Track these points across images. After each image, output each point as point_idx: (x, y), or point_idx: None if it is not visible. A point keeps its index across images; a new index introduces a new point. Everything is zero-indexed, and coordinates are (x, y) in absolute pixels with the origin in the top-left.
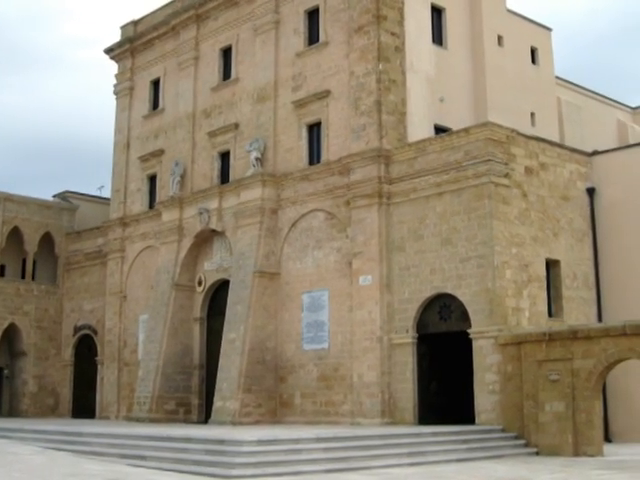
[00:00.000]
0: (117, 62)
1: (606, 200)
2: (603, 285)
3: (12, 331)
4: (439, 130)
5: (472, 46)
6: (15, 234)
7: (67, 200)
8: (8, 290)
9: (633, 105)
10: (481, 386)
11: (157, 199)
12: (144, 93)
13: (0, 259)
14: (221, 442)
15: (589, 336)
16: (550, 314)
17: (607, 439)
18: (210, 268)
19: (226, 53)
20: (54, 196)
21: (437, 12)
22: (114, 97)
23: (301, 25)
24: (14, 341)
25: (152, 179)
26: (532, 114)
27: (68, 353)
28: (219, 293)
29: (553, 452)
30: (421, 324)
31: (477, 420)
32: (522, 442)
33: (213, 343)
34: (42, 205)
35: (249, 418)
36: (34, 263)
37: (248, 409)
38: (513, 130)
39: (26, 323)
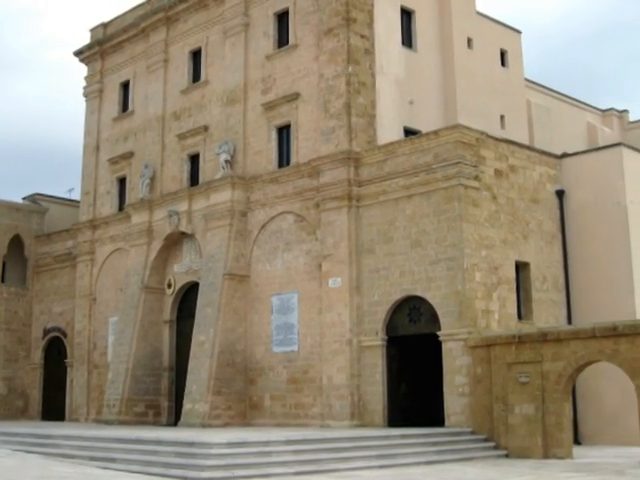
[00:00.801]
0: (87, 64)
1: (575, 202)
2: (573, 287)
3: None
4: (409, 132)
5: (442, 48)
6: None
7: (36, 202)
8: None
9: (603, 107)
10: (451, 388)
11: (127, 201)
12: (114, 95)
13: None
14: (191, 444)
15: (559, 338)
16: (520, 316)
17: (577, 441)
18: (180, 270)
19: (196, 55)
20: (24, 198)
21: (407, 14)
22: (84, 99)
23: (270, 28)
24: None
25: (122, 181)
26: (502, 116)
27: (38, 355)
28: (189, 296)
29: (523, 454)
30: (391, 326)
31: (447, 422)
32: (492, 444)
33: (183, 345)
34: (11, 207)
35: (219, 420)
36: (3, 265)
37: (218, 411)
38: (483, 132)
39: None
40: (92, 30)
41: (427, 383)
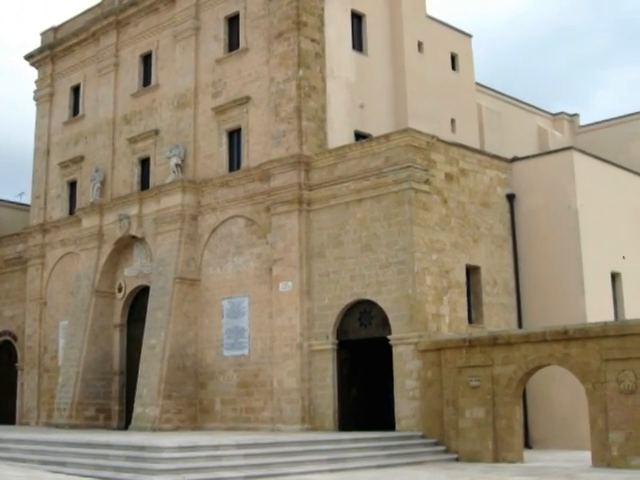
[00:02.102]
0: (37, 68)
1: (526, 206)
2: (523, 291)
3: None
4: (359, 136)
5: (392, 52)
6: None
7: None
8: None
9: (553, 111)
10: (401, 392)
11: (77, 205)
12: (64, 99)
13: None
14: (141, 448)
15: (509, 342)
16: (470, 320)
17: (527, 445)
18: (130, 274)
19: (146, 59)
20: None
21: (357, 18)
22: (34, 103)
23: (221, 31)
24: None
25: (72, 185)
26: (452, 120)
27: None
28: (139, 299)
29: (473, 458)
30: (341, 330)
31: (397, 426)
32: (442, 448)
33: (133, 349)
34: None
35: (169, 424)
36: None
37: (168, 415)
38: (433, 136)
39: None
40: (42, 34)
41: (378, 387)
